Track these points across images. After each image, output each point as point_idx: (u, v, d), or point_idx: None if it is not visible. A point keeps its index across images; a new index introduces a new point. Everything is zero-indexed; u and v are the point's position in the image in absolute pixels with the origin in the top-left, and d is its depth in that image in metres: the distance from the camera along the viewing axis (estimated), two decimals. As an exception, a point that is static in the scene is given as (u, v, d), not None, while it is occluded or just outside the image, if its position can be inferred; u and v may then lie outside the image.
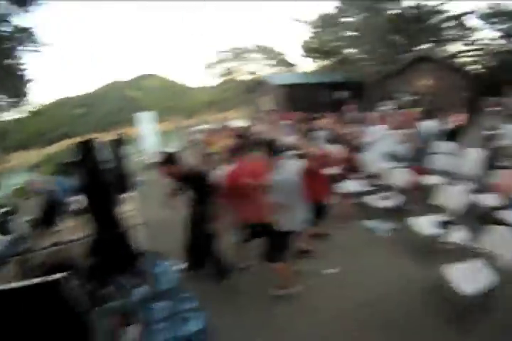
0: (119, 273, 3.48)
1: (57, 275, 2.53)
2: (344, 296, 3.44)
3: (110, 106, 58.22)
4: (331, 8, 20.19)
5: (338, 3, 19.20)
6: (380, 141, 5.80)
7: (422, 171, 5.17)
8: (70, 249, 3.61)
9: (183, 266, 4.06)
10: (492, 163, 6.02)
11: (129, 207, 6.48)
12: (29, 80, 12.69)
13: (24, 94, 12.59)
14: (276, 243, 3.47)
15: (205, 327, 2.76)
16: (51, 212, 5.96)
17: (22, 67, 12.22)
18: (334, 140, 5.72)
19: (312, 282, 3.71)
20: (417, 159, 5.21)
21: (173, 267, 3.52)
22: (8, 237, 4.75)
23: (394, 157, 5.32)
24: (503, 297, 2.92)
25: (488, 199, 4.62)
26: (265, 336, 3.00)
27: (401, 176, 4.96)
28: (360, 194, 5.33)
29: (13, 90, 12.08)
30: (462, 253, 3.43)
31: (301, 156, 4.20)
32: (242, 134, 6.96)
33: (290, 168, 3.54)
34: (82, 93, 56.10)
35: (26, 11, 11.49)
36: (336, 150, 5.28)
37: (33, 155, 19.78)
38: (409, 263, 3.91)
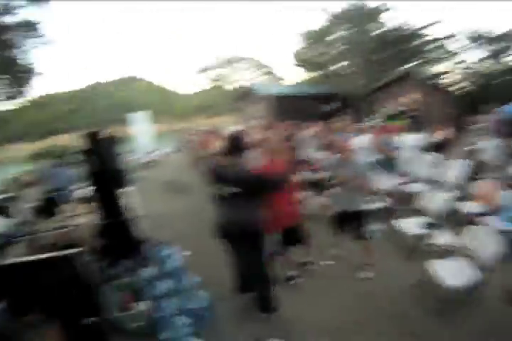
0: (125, 257, 3.68)
1: (73, 251, 2.82)
2: (340, 288, 3.67)
3: (97, 105, 58.31)
4: (320, 23, 20.67)
5: (327, 19, 19.82)
6: (363, 149, 6.16)
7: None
8: (79, 232, 3.73)
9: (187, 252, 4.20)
10: (473, 175, 6.50)
11: (129, 201, 6.78)
12: (33, 72, 12.65)
13: (25, 86, 12.54)
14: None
15: (209, 304, 2.97)
16: (52, 200, 6.18)
17: (26, 59, 12.19)
18: (322, 147, 5.91)
19: (310, 272, 3.97)
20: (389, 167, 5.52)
21: (176, 252, 3.74)
22: (13, 220, 4.92)
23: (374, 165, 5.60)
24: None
25: (470, 207, 5.00)
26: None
27: (385, 182, 5.28)
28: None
29: (15, 81, 12.03)
30: (445, 252, 3.74)
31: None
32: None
33: None
34: (69, 90, 55.64)
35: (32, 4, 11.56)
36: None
37: (28, 147, 19.56)
38: (397, 261, 4.21)
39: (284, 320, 3.12)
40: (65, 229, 3.97)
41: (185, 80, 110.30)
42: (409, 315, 3.11)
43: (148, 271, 3.34)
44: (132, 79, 51.39)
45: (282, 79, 30.16)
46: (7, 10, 11.17)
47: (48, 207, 6.28)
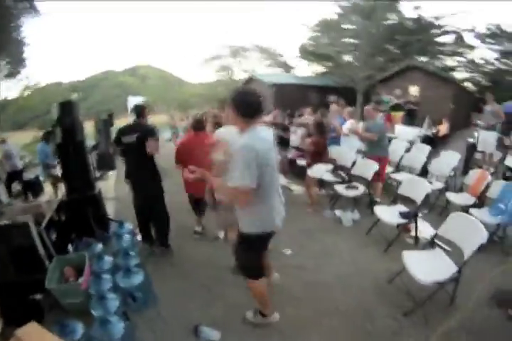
0: (85, 232, 3.56)
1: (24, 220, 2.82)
2: (301, 276, 3.39)
3: (103, 94, 58.04)
4: (331, 13, 20.12)
5: (339, 10, 19.28)
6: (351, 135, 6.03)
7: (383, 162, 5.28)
8: (43, 207, 3.61)
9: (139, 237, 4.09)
10: (467, 167, 6.34)
11: (106, 183, 6.81)
12: (26, 44, 12.76)
13: (22, 61, 12.70)
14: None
15: (145, 283, 2.84)
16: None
17: (21, 32, 12.32)
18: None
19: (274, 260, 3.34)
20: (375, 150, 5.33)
21: (130, 231, 3.63)
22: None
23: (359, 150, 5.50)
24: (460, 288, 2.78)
25: (458, 198, 4.81)
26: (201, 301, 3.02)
27: (367, 168, 5.08)
28: (330, 183, 5.56)
29: (12, 55, 12.16)
30: (423, 243, 3.57)
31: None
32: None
33: None
34: (74, 79, 55.42)
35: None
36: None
37: (26, 136, 19.38)
38: (371, 249, 3.98)
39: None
40: (33, 203, 3.98)
41: (195, 69, 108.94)
42: (374, 314, 2.81)
43: (98, 247, 3.22)
44: (144, 67, 51.10)
45: (293, 67, 29.47)
46: None
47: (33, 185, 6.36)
